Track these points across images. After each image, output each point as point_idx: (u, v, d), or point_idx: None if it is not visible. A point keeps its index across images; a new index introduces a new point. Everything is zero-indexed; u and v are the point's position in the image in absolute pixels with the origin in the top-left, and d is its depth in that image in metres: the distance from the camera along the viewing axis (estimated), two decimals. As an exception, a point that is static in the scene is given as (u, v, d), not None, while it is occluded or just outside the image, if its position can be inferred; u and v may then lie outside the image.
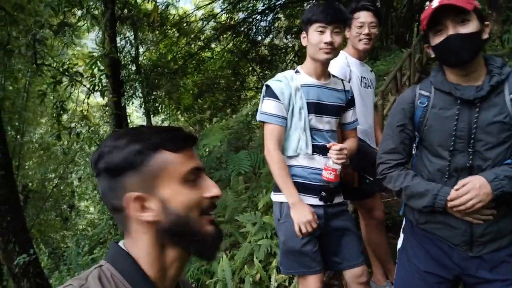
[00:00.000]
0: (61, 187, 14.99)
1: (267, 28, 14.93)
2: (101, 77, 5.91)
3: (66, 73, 5.55)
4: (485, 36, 1.37)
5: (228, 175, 4.50)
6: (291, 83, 1.83)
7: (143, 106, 12.63)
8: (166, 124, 15.71)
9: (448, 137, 1.40)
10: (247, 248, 3.41)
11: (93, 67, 7.04)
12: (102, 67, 6.58)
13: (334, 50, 1.78)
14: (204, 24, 14.80)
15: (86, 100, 6.47)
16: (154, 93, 12.19)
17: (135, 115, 18.57)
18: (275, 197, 1.92)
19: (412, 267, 1.54)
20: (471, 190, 1.31)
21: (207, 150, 4.34)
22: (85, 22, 8.14)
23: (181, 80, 13.74)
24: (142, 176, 0.78)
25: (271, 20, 14.91)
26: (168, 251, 0.81)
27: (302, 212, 1.74)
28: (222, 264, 3.29)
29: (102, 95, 5.96)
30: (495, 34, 8.23)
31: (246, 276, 3.08)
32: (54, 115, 5.82)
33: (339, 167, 1.80)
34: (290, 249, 1.82)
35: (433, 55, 1.45)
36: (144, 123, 15.55)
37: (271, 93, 1.83)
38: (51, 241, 14.89)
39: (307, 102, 1.83)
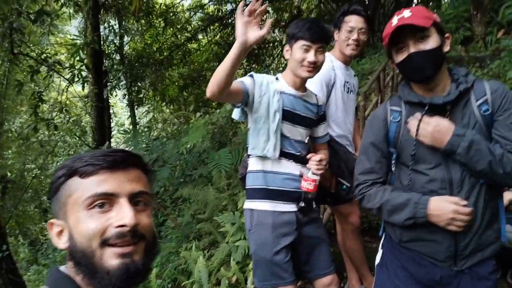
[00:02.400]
0: (41, 178, 14.64)
1: (255, 21, 14.74)
2: (81, 67, 5.70)
3: (44, 63, 5.35)
4: (447, 48, 1.38)
5: (209, 173, 4.44)
6: (271, 84, 1.82)
7: (126, 97, 12.40)
8: (150, 115, 15.46)
9: (424, 151, 1.38)
10: (224, 249, 3.37)
11: (74, 56, 6.85)
12: (83, 57, 6.38)
13: (316, 69, 1.80)
14: (191, 15, 14.57)
15: (65, 92, 6.25)
16: (138, 84, 11.96)
17: (120, 105, 18.21)
18: (246, 204, 1.89)
19: (391, 285, 1.52)
20: (432, 125, 1.31)
21: (187, 147, 4.26)
22: (67, 9, 7.90)
23: (166, 71, 13.53)
24: (57, 202, 0.80)
25: (259, 13, 14.74)
26: None
27: None
28: (199, 265, 3.25)
29: (83, 86, 5.78)
30: (479, 35, 8.31)
31: (223, 278, 3.05)
32: (32, 106, 5.63)
33: (318, 177, 1.80)
34: (261, 259, 1.79)
35: (397, 71, 1.48)
36: (128, 114, 15.26)
37: (251, 76, 1.81)
38: (29, 232, 14.60)
39: (283, 109, 1.81)
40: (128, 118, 15.28)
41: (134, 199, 0.79)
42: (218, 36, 14.50)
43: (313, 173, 1.78)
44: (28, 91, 9.79)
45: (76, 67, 5.71)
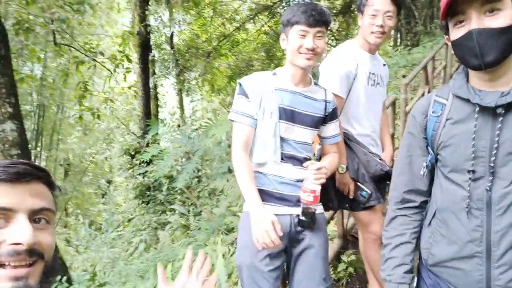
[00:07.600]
0: (99, 162, 15.55)
1: (305, 9, 14.33)
2: (122, 58, 5.84)
3: (86, 54, 5.54)
4: None
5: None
6: (265, 84, 1.65)
7: (175, 86, 12.69)
8: (200, 105, 15.75)
9: (465, 159, 1.10)
10: (246, 247, 3.25)
11: (123, 47, 7.06)
12: (127, 48, 6.54)
13: (316, 56, 1.60)
14: (240, 4, 14.50)
15: (108, 82, 6.47)
16: (186, 73, 12.20)
17: (171, 95, 18.73)
18: (245, 206, 1.73)
19: None
20: None
21: (215, 140, 4.18)
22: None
23: (215, 61, 13.64)
24: None
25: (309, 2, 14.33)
26: None
27: (261, 220, 1.51)
28: (218, 263, 3.16)
29: (125, 77, 5.94)
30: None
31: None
32: (77, 96, 5.91)
33: (318, 187, 1.57)
34: (241, 263, 1.63)
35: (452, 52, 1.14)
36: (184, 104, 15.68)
37: (242, 91, 1.66)
38: (88, 213, 15.64)
39: (279, 108, 1.63)
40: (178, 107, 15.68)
41: (34, 216, 0.73)
42: (266, 26, 14.28)
43: (312, 183, 1.56)
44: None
45: (118, 58, 5.87)
